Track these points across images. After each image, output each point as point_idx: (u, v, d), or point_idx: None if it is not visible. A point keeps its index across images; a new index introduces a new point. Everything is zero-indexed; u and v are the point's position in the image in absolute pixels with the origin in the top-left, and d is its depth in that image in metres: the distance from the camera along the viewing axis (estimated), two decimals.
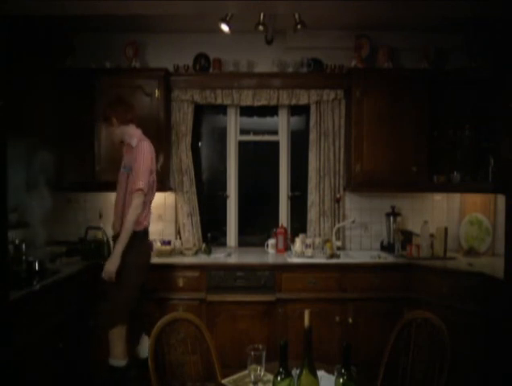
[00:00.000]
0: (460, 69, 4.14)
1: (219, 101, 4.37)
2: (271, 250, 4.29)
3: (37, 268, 3.25)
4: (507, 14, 3.17)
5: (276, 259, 4.04)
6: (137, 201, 3.21)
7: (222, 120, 4.65)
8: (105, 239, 3.94)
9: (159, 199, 4.44)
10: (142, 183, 3.21)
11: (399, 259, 3.99)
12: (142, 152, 3.27)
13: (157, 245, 4.17)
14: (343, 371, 1.56)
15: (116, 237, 3.35)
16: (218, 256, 4.07)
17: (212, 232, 4.53)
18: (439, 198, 4.51)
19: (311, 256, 4.00)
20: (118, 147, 3.61)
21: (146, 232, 3.42)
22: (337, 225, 4.35)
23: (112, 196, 4.37)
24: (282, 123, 4.62)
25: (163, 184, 4.13)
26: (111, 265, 3.18)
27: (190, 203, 4.37)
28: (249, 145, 4.68)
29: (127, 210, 3.24)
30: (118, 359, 3.29)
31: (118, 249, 3.19)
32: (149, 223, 3.46)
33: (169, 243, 4.22)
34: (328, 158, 4.40)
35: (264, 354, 1.74)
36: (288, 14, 3.56)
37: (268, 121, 4.67)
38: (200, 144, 4.69)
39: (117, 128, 3.39)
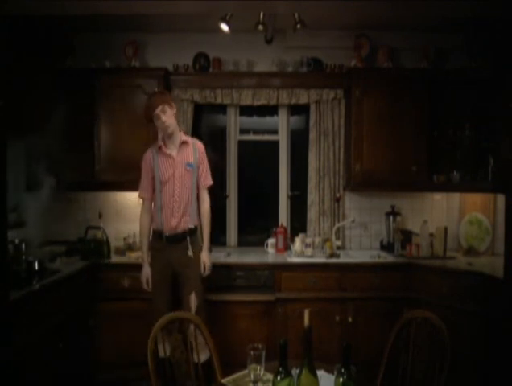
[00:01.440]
0: (460, 69, 4.14)
1: (219, 101, 4.37)
2: (271, 250, 4.29)
3: (37, 267, 3.25)
4: (507, 14, 3.17)
5: (276, 258, 4.04)
6: (208, 196, 3.45)
7: (222, 119, 4.65)
8: (104, 238, 3.94)
9: None
10: (211, 180, 3.47)
11: (399, 258, 3.99)
12: (203, 150, 3.44)
13: None
14: (343, 370, 1.56)
15: (172, 237, 3.29)
16: (218, 256, 4.06)
17: (212, 232, 4.51)
18: (438, 197, 4.51)
19: (311, 256, 4.00)
20: (165, 137, 3.34)
21: None
22: (337, 225, 4.35)
23: (112, 195, 4.40)
24: (282, 122, 4.62)
25: None
26: (209, 259, 3.39)
27: None
28: (249, 144, 4.67)
29: (203, 205, 3.40)
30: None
31: (209, 242, 3.42)
32: None
33: None
34: (328, 158, 4.40)
35: (264, 353, 1.74)
36: (288, 13, 3.56)
37: (268, 121, 4.67)
38: None
39: (175, 114, 3.33)
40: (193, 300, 3.22)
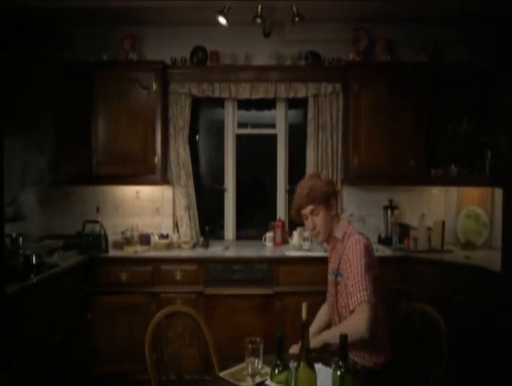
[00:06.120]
0: (458, 63, 4.13)
1: (216, 94, 4.35)
2: (269, 243, 4.29)
3: (34, 261, 3.24)
4: (507, 8, 3.16)
5: (274, 252, 4.04)
6: (361, 317, 2.15)
7: (220, 113, 4.63)
8: (102, 232, 3.93)
9: (157, 192, 4.45)
10: (364, 293, 2.22)
11: (397, 252, 4.00)
12: (356, 249, 2.31)
13: (154, 239, 4.17)
14: (340, 363, 1.57)
15: None
16: (216, 250, 4.07)
17: (210, 226, 4.52)
18: (436, 191, 4.51)
19: (309, 250, 4.01)
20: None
21: None
22: None
23: (109, 189, 4.39)
24: (280, 116, 4.60)
25: (160, 178, 4.17)
26: (320, 340, 2.28)
27: (187, 197, 4.36)
28: (247, 138, 4.66)
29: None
30: None
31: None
32: None
33: (166, 236, 4.22)
34: (326, 152, 4.39)
35: (262, 347, 1.74)
36: (286, 6, 3.54)
37: (266, 114, 4.66)
38: (197, 137, 4.68)
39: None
40: None
